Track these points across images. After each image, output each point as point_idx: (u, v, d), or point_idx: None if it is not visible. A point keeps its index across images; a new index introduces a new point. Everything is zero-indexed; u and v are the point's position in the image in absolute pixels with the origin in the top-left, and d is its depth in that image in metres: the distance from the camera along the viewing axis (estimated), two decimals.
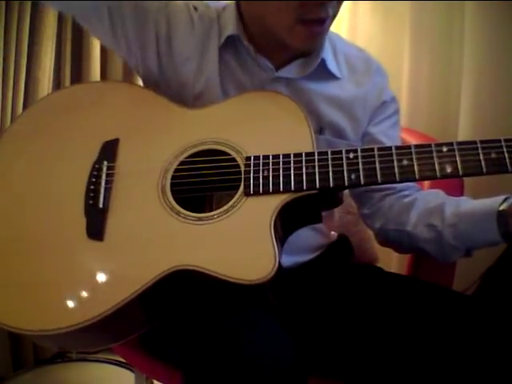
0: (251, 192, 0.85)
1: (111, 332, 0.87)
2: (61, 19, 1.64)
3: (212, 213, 0.85)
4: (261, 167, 0.87)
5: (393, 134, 1.08)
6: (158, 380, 1.15)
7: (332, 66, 1.00)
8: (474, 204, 0.93)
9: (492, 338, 0.81)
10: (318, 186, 0.84)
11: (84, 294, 0.82)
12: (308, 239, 0.93)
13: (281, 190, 0.85)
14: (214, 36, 0.99)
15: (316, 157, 0.86)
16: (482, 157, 0.80)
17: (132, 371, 1.49)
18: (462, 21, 1.38)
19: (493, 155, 0.79)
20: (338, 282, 1.01)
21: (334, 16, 0.91)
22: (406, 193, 1.05)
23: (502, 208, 0.87)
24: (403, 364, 0.84)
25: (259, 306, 0.82)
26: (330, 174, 0.85)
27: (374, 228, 1.08)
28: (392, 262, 1.48)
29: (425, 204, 1.00)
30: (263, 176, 0.86)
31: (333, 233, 1.17)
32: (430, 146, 0.83)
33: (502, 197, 0.89)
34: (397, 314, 0.88)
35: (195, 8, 1.01)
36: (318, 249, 1.08)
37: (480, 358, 0.79)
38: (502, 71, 1.32)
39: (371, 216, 1.08)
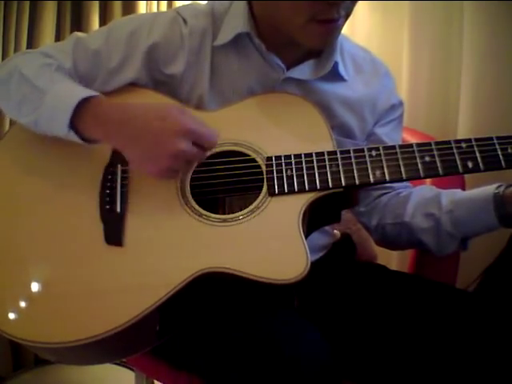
0: (276, 192, 0.85)
1: (125, 345, 0.83)
2: (60, 19, 1.63)
3: (236, 214, 0.84)
4: (283, 167, 0.87)
5: (395, 136, 1.09)
6: (160, 381, 1.14)
7: (341, 68, 1.00)
8: (470, 192, 0.95)
9: (493, 333, 0.83)
10: (343, 183, 0.85)
11: (105, 303, 0.78)
12: (314, 239, 0.92)
13: (306, 189, 0.85)
14: (207, 45, 0.97)
15: (339, 155, 0.87)
16: (499, 152, 0.83)
17: (132, 371, 1.49)
18: (461, 20, 1.40)
19: (509, 150, 0.83)
20: (347, 281, 1.02)
21: (348, 16, 0.91)
22: (402, 190, 1.07)
23: (497, 191, 0.90)
24: (407, 359, 0.86)
25: (282, 307, 0.81)
26: (355, 171, 0.85)
27: (370, 226, 1.09)
28: (392, 260, 1.48)
29: (420, 196, 1.02)
30: (287, 176, 0.86)
31: (336, 231, 1.17)
32: (449, 142, 0.85)
33: (496, 184, 0.92)
34: (403, 312, 0.90)
35: (184, 20, 0.96)
36: (323, 248, 1.08)
37: (482, 352, 0.81)
38: (502, 70, 1.34)
39: (368, 213, 1.08)
